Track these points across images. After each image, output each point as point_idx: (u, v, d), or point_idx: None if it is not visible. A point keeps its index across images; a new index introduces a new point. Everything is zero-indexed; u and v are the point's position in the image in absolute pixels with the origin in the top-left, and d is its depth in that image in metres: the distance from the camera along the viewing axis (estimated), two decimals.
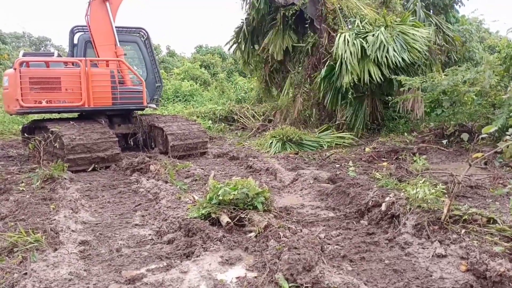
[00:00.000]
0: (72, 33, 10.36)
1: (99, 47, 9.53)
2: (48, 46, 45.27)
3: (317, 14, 11.61)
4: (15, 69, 8.25)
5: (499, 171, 6.80)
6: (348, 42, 10.35)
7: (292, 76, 13.38)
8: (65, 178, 6.90)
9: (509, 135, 6.82)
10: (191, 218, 4.58)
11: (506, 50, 9.25)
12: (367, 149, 9.20)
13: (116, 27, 10.10)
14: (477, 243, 3.65)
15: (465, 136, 8.61)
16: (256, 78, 15.74)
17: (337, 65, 10.43)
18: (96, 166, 8.10)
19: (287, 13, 12.23)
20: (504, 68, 9.10)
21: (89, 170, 8.01)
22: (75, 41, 10.26)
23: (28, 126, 10.11)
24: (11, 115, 11.57)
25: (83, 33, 10.31)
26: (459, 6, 16.50)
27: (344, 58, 10.20)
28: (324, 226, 4.77)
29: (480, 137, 7.86)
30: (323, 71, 11.05)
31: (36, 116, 11.06)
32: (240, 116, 15.10)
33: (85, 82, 8.73)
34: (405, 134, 10.60)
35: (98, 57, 9.54)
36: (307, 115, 13.07)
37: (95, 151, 8.10)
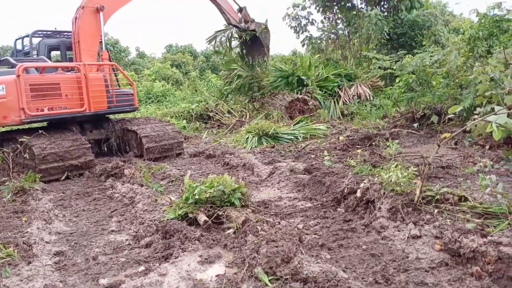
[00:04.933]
0: (31, 37, 10.12)
1: (82, 51, 9.39)
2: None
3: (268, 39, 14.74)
4: (18, 76, 7.87)
5: (469, 150, 6.97)
6: None
7: None
8: (37, 189, 6.71)
9: (477, 114, 7.02)
10: (168, 219, 4.53)
11: (469, 31, 9.47)
12: (341, 138, 9.29)
13: (69, 32, 10.01)
14: (449, 221, 3.74)
15: (435, 118, 8.80)
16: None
17: None
18: (69, 174, 7.91)
19: (244, 36, 14.55)
20: (469, 49, 9.32)
21: (62, 179, 7.82)
22: (30, 46, 10.03)
23: None
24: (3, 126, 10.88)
25: (41, 38, 10.05)
26: None
27: None
28: (302, 216, 4.79)
29: (447, 117, 8.05)
30: None
31: (4, 128, 10.70)
32: (216, 113, 14.98)
33: (85, 87, 8.62)
34: (377, 120, 10.76)
35: (80, 60, 9.37)
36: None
37: (68, 159, 7.90)
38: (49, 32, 10.38)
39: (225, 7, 13.31)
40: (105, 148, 10.01)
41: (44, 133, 8.24)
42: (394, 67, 10.48)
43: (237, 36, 15.07)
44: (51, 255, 4.10)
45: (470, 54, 9.27)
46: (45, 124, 9.60)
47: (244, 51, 15.69)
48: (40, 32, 10.20)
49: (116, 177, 7.30)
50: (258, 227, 4.11)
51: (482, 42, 9.13)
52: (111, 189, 6.64)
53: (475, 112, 7.21)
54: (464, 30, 9.93)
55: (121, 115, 11.27)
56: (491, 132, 4.83)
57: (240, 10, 13.87)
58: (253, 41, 14.73)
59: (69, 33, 10.41)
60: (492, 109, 5.46)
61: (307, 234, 4.16)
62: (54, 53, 10.82)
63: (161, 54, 39.77)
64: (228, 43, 15.69)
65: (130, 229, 4.80)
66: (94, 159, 8.32)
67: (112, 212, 5.56)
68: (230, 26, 14.23)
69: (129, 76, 11.63)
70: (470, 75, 8.39)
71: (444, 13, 19.44)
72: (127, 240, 4.48)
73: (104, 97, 9.13)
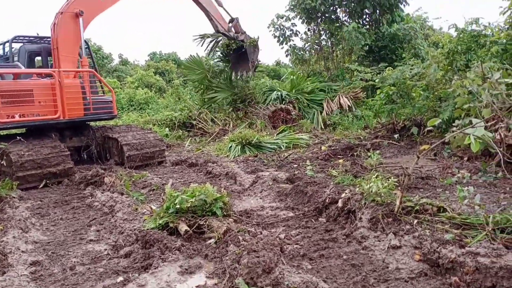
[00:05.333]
0: (11, 43, 9.94)
1: (62, 57, 9.22)
2: None
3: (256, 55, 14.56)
4: None
5: (447, 161, 7.11)
6: None
7: None
8: (14, 197, 6.55)
9: (456, 127, 7.17)
10: (148, 229, 4.47)
11: (448, 45, 9.72)
12: (323, 148, 9.36)
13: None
14: (429, 232, 3.79)
15: (414, 129, 9.05)
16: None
17: None
18: (47, 182, 7.75)
19: (231, 44, 14.39)
20: (448, 63, 9.55)
21: (40, 186, 7.65)
22: (10, 52, 9.85)
23: None
24: None
25: (22, 44, 9.90)
26: (404, 5, 17.23)
27: None
28: (284, 226, 4.79)
29: (426, 129, 8.20)
30: None
31: None
32: (199, 121, 14.93)
33: (60, 93, 8.42)
34: (359, 131, 10.89)
35: (59, 67, 9.23)
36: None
37: (46, 166, 7.74)
38: (30, 38, 10.23)
39: (213, 14, 13.12)
40: (85, 156, 9.85)
41: (22, 139, 8.07)
42: (375, 79, 10.67)
43: (223, 43, 14.87)
44: (27, 265, 3.99)
45: (449, 67, 9.50)
46: (24, 130, 9.43)
47: (225, 63, 15.53)
48: (20, 38, 10.04)
49: (96, 185, 7.17)
50: (239, 237, 4.09)
51: (461, 56, 9.38)
52: (90, 197, 6.52)
53: (453, 124, 7.37)
54: (443, 44, 10.17)
55: (102, 122, 11.14)
56: (469, 144, 4.95)
57: (232, 20, 13.75)
58: (239, 54, 14.55)
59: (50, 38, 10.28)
60: (470, 122, 5.60)
61: (288, 244, 4.15)
62: (37, 59, 10.62)
63: (144, 61, 39.58)
64: (211, 50, 15.49)
65: (109, 238, 4.71)
66: (74, 167, 8.17)
67: (91, 221, 5.46)
68: (219, 33, 14.04)
69: (111, 83, 11.50)
70: (449, 88, 8.59)
71: (424, 27, 19.89)
72: (105, 249, 4.39)
73: (81, 104, 8.94)
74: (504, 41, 8.78)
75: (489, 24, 9.66)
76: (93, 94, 9.52)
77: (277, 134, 11.45)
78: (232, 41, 14.21)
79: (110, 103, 9.69)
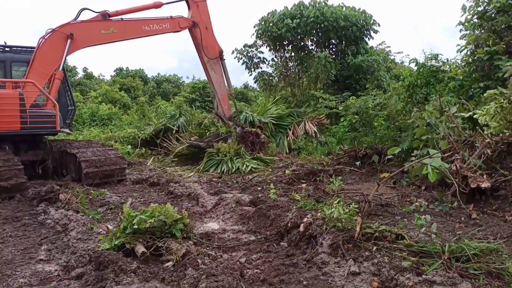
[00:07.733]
0: None
1: (33, 69, 8.87)
2: None
3: None
4: None
5: (406, 189, 7.30)
6: None
7: None
8: None
9: (414, 156, 7.42)
10: (103, 250, 4.28)
11: (409, 78, 10.16)
12: (287, 172, 9.42)
13: (23, 47, 9.77)
14: (387, 259, 3.84)
15: (375, 158, 9.29)
16: None
17: None
18: None
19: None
20: (408, 95, 9.97)
21: None
22: None
23: None
24: None
25: None
26: (368, 38, 17.97)
27: None
28: (245, 250, 4.72)
29: (386, 158, 8.44)
30: None
31: None
32: (164, 140, 14.70)
33: None
34: (322, 156, 11.06)
35: (27, 78, 8.83)
36: None
37: None
38: None
39: (220, 95, 11.99)
40: (40, 171, 9.41)
41: None
42: (340, 107, 10.95)
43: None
44: None
45: (409, 99, 9.90)
46: None
47: None
48: None
49: (50, 202, 6.86)
50: (198, 260, 3.99)
51: (420, 89, 9.81)
52: (43, 214, 6.21)
53: (412, 154, 7.65)
54: (404, 78, 10.61)
55: (61, 136, 10.75)
56: (427, 173, 5.11)
57: (238, 124, 12.34)
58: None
59: (18, 48, 9.95)
60: (428, 152, 5.82)
61: (249, 268, 4.08)
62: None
63: (110, 76, 38.94)
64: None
65: (60, 258, 4.47)
66: (27, 182, 7.79)
67: (42, 239, 5.17)
68: (216, 115, 12.82)
69: (74, 97, 11.05)
70: (408, 119, 8.96)
71: (386, 60, 20.69)
72: (56, 270, 4.15)
73: (17, 117, 8.38)
74: (461, 77, 9.28)
75: (448, 60, 10.21)
76: (34, 106, 8.90)
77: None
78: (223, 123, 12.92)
79: (53, 117, 8.90)
